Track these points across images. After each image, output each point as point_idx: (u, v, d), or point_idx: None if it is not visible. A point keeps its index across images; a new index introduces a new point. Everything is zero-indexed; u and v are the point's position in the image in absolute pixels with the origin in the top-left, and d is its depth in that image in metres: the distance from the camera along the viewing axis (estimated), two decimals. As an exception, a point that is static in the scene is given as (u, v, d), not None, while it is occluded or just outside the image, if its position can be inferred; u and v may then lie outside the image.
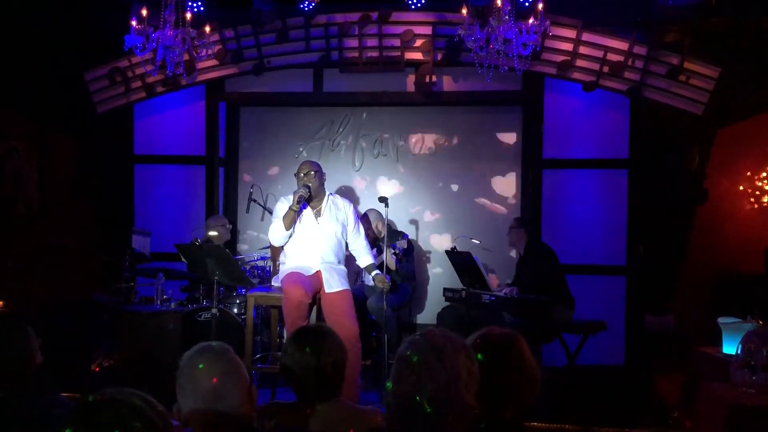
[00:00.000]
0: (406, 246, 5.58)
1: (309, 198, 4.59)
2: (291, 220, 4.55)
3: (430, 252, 6.72)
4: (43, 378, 2.40)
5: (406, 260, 5.85)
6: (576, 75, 5.91)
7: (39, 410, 2.21)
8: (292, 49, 6.24)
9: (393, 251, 5.25)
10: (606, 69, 5.81)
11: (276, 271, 4.95)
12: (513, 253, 6.50)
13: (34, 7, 6.28)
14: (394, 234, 5.83)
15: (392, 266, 5.25)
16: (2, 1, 6.06)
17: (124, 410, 1.35)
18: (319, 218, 4.65)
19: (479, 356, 1.81)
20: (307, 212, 4.65)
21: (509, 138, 6.64)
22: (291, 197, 4.67)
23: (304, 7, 5.97)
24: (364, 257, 4.86)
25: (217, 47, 6.05)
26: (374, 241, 5.81)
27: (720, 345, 4.31)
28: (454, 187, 6.73)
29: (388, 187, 6.75)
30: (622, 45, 5.79)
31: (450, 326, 5.01)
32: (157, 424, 1.37)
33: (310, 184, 4.57)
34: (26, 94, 6.55)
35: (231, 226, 6.28)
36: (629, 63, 5.78)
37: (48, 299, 6.22)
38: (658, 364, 5.68)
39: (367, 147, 6.81)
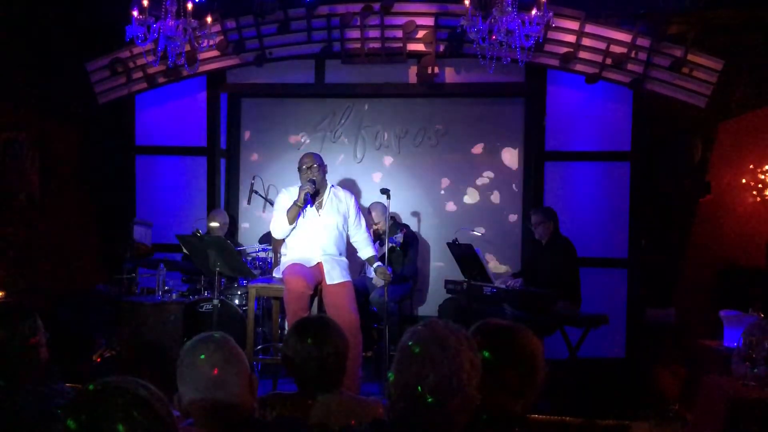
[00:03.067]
0: (402, 240, 5.58)
1: (314, 193, 4.58)
2: (295, 215, 4.55)
3: (431, 244, 6.71)
4: (50, 372, 2.39)
5: (407, 258, 5.84)
6: (579, 67, 5.88)
7: (42, 400, 2.21)
8: (294, 40, 6.22)
9: (390, 245, 5.24)
10: (609, 61, 5.79)
11: (277, 263, 4.95)
12: (516, 246, 6.51)
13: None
14: (394, 226, 5.82)
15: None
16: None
17: (126, 399, 1.35)
18: (320, 210, 4.65)
19: (485, 354, 1.81)
20: (309, 204, 4.64)
21: (511, 130, 6.62)
22: (292, 189, 4.66)
23: (306, -3, 5.95)
24: (365, 249, 4.86)
25: (219, 38, 6.04)
26: (377, 235, 5.81)
27: (721, 338, 4.32)
28: (456, 180, 6.71)
29: (389, 179, 6.73)
30: (625, 37, 5.76)
31: (451, 318, 5.00)
32: (159, 414, 1.37)
33: (314, 179, 4.56)
34: (27, 84, 6.53)
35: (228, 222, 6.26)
36: (632, 55, 5.76)
37: (50, 290, 6.22)
38: (659, 356, 5.68)
39: (368, 138, 6.79)
